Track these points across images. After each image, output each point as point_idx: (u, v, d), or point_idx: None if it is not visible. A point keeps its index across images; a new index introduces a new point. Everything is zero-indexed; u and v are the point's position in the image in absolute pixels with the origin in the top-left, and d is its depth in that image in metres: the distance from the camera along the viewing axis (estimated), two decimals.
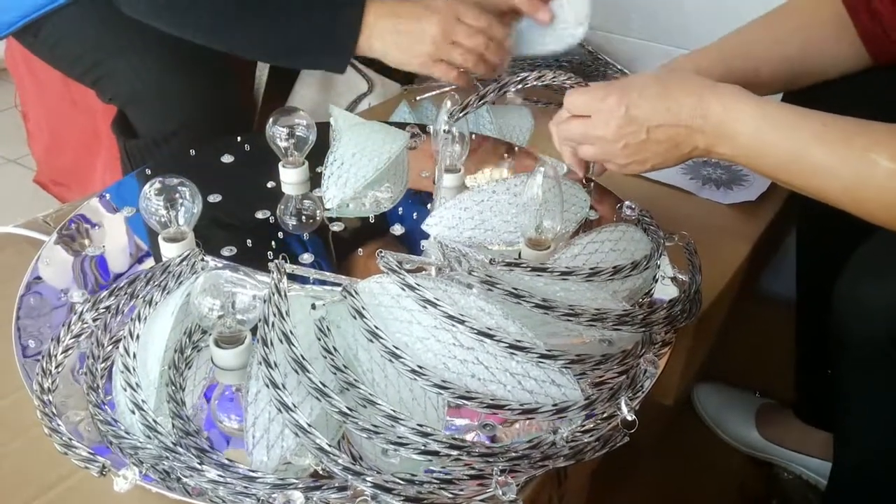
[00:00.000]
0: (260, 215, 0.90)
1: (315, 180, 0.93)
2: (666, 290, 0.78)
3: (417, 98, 1.31)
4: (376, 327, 0.62)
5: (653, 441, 1.12)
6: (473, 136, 1.11)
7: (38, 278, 0.79)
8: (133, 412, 0.58)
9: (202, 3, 1.00)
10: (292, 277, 0.76)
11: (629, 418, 0.61)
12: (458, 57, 1.04)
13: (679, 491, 1.11)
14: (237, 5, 1.00)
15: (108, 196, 0.93)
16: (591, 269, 0.71)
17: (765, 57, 0.87)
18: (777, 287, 1.41)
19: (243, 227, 0.89)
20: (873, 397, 0.72)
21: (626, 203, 0.88)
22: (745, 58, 0.87)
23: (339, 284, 0.73)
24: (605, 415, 0.62)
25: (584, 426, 0.61)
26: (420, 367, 0.59)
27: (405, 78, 1.36)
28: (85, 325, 0.68)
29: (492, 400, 0.59)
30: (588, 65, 1.39)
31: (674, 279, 0.79)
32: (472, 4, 1.05)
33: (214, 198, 0.92)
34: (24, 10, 1.08)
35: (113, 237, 0.87)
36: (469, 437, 0.62)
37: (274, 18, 1.01)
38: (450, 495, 0.55)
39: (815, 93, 0.84)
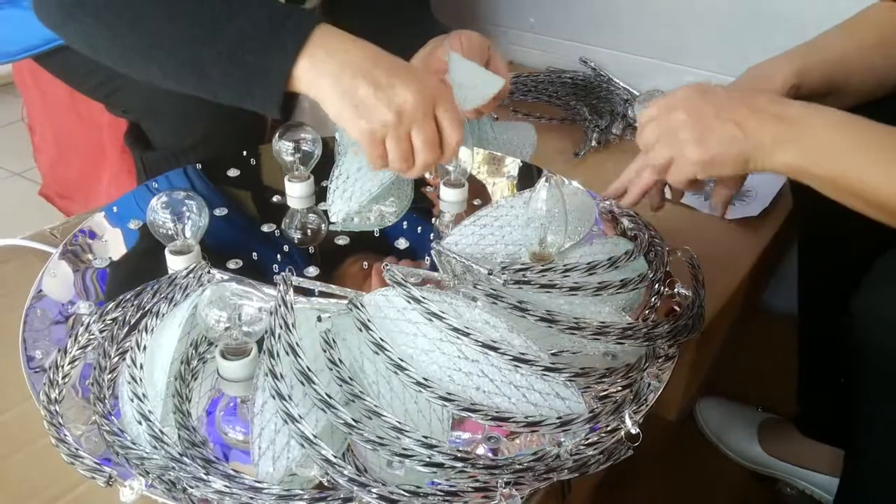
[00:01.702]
0: (266, 229, 0.91)
1: (320, 194, 0.94)
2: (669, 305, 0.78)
3: None
4: (382, 339, 0.62)
5: (656, 456, 1.12)
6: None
7: (45, 290, 0.80)
8: (140, 422, 0.58)
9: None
10: (298, 290, 0.77)
11: (633, 431, 0.61)
12: (397, 152, 0.79)
13: None
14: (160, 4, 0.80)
15: (114, 209, 0.94)
16: (599, 283, 0.71)
17: (853, 65, 0.86)
18: (779, 303, 1.41)
19: (249, 240, 0.89)
20: (892, 408, 0.72)
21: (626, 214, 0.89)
22: (838, 64, 0.85)
23: (344, 297, 0.73)
24: (609, 428, 0.62)
25: (588, 439, 0.61)
26: (425, 380, 0.60)
27: None
28: (91, 337, 0.68)
29: (496, 412, 0.60)
30: (591, 81, 1.40)
31: (677, 294, 0.79)
32: (451, 98, 0.83)
33: (220, 211, 0.93)
34: (24, 44, 1.09)
35: (119, 250, 0.87)
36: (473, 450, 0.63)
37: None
38: None
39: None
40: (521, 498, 0.56)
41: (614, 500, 1.04)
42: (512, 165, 1.11)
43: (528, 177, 1.07)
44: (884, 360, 0.70)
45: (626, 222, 0.88)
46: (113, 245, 0.88)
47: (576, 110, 1.34)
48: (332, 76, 0.76)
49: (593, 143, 1.24)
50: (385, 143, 0.79)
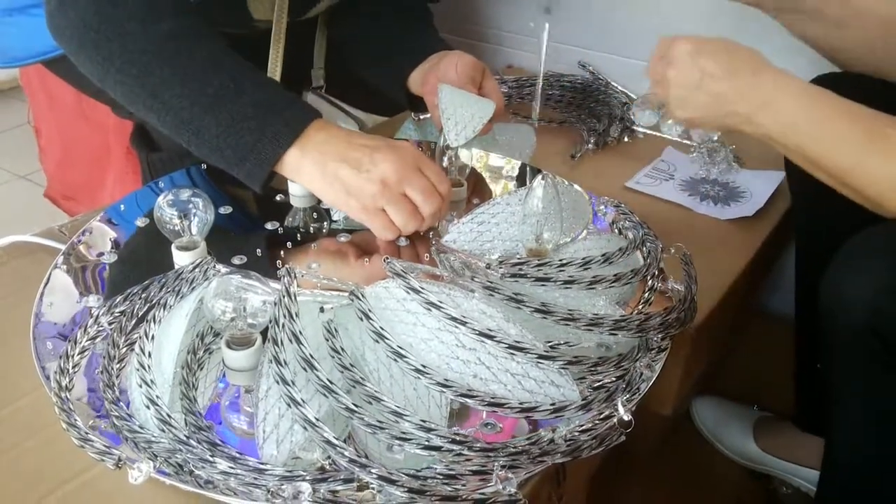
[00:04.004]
0: (269, 226, 0.93)
1: None
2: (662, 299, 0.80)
3: (422, 117, 1.34)
4: (382, 328, 0.64)
5: (652, 453, 1.14)
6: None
7: (54, 284, 0.82)
8: (148, 407, 0.60)
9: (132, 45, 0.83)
10: (300, 283, 0.79)
11: (626, 418, 0.63)
12: (401, 213, 0.83)
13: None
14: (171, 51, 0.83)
15: (122, 207, 0.96)
16: (594, 277, 0.73)
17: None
18: (776, 305, 1.43)
19: (253, 237, 0.92)
20: (857, 388, 0.75)
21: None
22: None
23: (345, 290, 0.75)
24: (602, 415, 0.64)
25: (582, 426, 0.63)
26: (424, 367, 0.62)
27: (396, 111, 1.38)
28: (100, 328, 0.70)
29: (492, 398, 0.61)
30: (589, 84, 1.42)
31: (670, 289, 0.81)
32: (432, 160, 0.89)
33: (225, 209, 0.95)
34: (33, 51, 1.11)
35: (127, 246, 0.89)
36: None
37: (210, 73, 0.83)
38: (451, 490, 0.57)
39: None
40: (517, 481, 0.58)
41: (610, 496, 1.06)
42: (511, 167, 1.13)
43: (527, 178, 1.09)
44: (846, 345, 0.73)
45: (621, 220, 0.90)
46: (120, 241, 0.90)
47: (574, 113, 1.37)
48: (319, 166, 0.82)
49: (591, 145, 1.26)
50: (385, 213, 0.84)
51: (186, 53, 0.83)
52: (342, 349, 0.63)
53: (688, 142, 1.30)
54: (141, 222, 0.93)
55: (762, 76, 0.77)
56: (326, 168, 0.82)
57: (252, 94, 0.83)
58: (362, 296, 0.67)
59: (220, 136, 0.82)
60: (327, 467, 0.59)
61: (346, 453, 0.56)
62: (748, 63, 0.78)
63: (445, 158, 0.98)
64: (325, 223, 0.94)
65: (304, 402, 0.58)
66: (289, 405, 0.58)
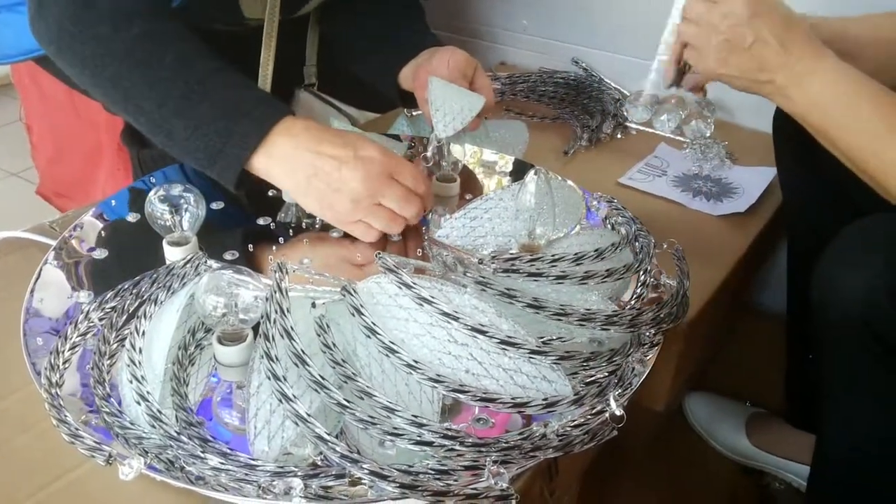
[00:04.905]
0: (261, 221, 0.93)
1: None
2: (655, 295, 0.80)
3: (415, 113, 1.33)
4: (374, 323, 0.64)
5: (644, 449, 1.14)
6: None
7: (45, 280, 0.81)
8: (139, 403, 0.60)
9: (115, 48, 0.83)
10: (292, 278, 0.79)
11: (618, 413, 0.63)
12: (380, 221, 0.85)
13: (670, 501, 1.12)
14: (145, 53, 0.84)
15: (112, 202, 0.96)
16: (586, 272, 0.73)
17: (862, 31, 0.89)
18: (769, 301, 1.43)
19: (245, 232, 0.91)
20: (849, 382, 0.75)
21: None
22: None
23: (338, 285, 0.75)
24: (594, 410, 0.64)
25: (574, 421, 0.63)
26: (416, 362, 0.62)
27: (388, 108, 1.37)
28: (91, 324, 0.70)
29: (484, 394, 0.61)
30: (582, 81, 1.42)
31: (662, 284, 0.81)
32: (408, 162, 0.86)
33: (217, 205, 0.95)
34: (22, 48, 1.10)
35: (118, 242, 0.89)
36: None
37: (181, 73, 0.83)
38: (443, 485, 0.57)
39: None
40: (509, 476, 0.58)
41: (602, 491, 1.06)
42: (504, 162, 1.13)
43: (520, 174, 1.09)
44: (839, 340, 0.73)
45: (614, 216, 0.90)
46: (111, 237, 0.90)
47: (567, 110, 1.37)
48: (290, 177, 0.83)
49: (583, 141, 1.26)
50: (364, 221, 0.85)
51: (156, 56, 0.83)
52: (334, 344, 0.63)
53: (681, 138, 1.31)
54: (132, 218, 0.92)
55: (805, 51, 0.75)
56: (297, 178, 0.83)
57: (219, 95, 0.83)
58: (354, 291, 0.67)
59: (189, 138, 0.82)
60: (319, 463, 0.59)
61: (338, 449, 0.56)
62: (800, 34, 0.76)
63: (432, 149, 0.98)
64: (317, 218, 0.93)
65: (295, 397, 0.58)
66: (280, 401, 0.58)
